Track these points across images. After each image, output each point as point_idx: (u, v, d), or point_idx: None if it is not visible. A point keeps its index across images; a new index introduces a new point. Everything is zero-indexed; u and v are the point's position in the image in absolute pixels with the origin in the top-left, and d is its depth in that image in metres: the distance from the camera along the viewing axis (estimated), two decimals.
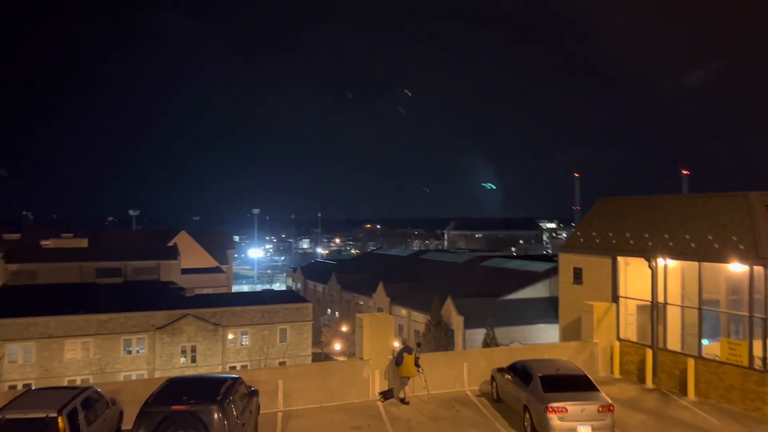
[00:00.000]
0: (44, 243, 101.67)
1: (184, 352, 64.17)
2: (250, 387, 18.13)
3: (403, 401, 21.35)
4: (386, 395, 21.54)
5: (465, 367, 23.17)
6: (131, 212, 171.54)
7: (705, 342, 23.16)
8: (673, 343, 24.05)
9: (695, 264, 23.16)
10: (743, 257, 21.25)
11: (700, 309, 22.99)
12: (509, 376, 20.47)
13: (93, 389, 16.69)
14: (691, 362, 22.34)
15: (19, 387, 54.41)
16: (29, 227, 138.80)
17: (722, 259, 22.05)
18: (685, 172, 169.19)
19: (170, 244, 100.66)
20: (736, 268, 21.87)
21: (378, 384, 21.82)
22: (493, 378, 22.03)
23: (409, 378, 21.36)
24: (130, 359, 62.93)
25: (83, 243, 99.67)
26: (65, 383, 59.92)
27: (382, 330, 22.23)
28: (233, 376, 17.68)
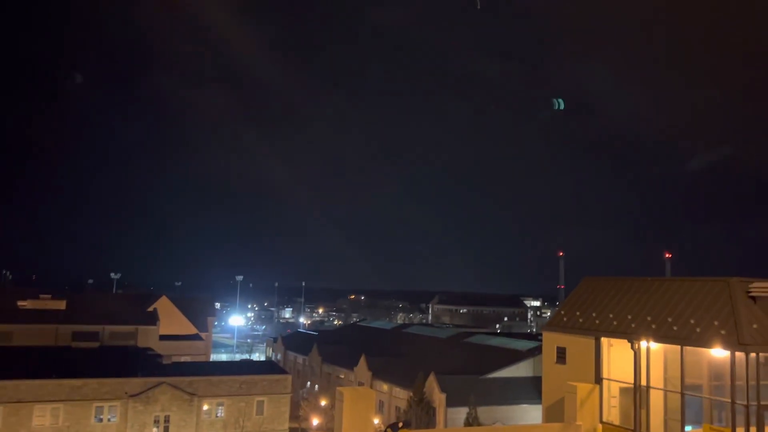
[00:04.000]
0: (21, 304, 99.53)
1: (157, 422, 62.12)
2: None
3: None
4: None
5: None
6: (112, 275, 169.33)
7: (688, 428, 22.94)
8: (656, 427, 23.80)
9: (678, 348, 23.22)
10: (725, 343, 21.36)
11: (682, 394, 22.89)
12: None
13: None
14: None
15: None
16: (7, 287, 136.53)
17: (704, 343, 22.14)
18: (667, 255, 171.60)
19: (150, 309, 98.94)
20: (718, 353, 21.94)
21: None
22: None
23: None
24: (101, 428, 60.73)
25: (61, 305, 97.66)
26: None
27: (362, 405, 21.84)
28: None
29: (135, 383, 62.23)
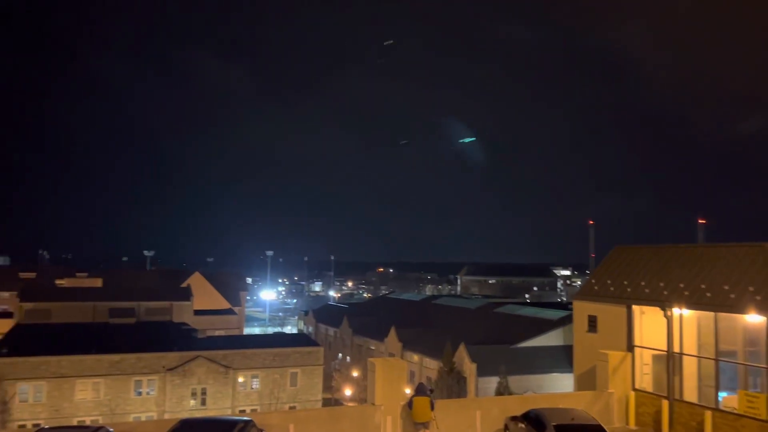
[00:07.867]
0: (59, 282, 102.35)
1: (194, 394, 63.72)
2: (261, 430, 18.06)
3: None
4: None
5: (478, 415, 22.89)
6: (146, 253, 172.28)
7: (722, 394, 22.79)
8: (690, 394, 23.68)
9: (711, 314, 22.97)
10: (760, 308, 21.07)
11: (716, 360, 22.71)
12: (523, 425, 20.21)
13: (105, 429, 16.72)
14: (708, 414, 21.94)
15: (29, 427, 54.14)
16: (45, 266, 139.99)
17: (738, 309, 21.86)
18: (701, 221, 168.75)
19: (184, 285, 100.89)
20: (753, 319, 21.66)
21: (390, 430, 21.60)
22: (506, 427, 21.75)
23: (423, 423, 20.88)
24: (140, 401, 62.53)
25: (97, 282, 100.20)
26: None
27: (394, 375, 22.10)
28: (245, 418, 17.66)
29: (172, 357, 63.77)
